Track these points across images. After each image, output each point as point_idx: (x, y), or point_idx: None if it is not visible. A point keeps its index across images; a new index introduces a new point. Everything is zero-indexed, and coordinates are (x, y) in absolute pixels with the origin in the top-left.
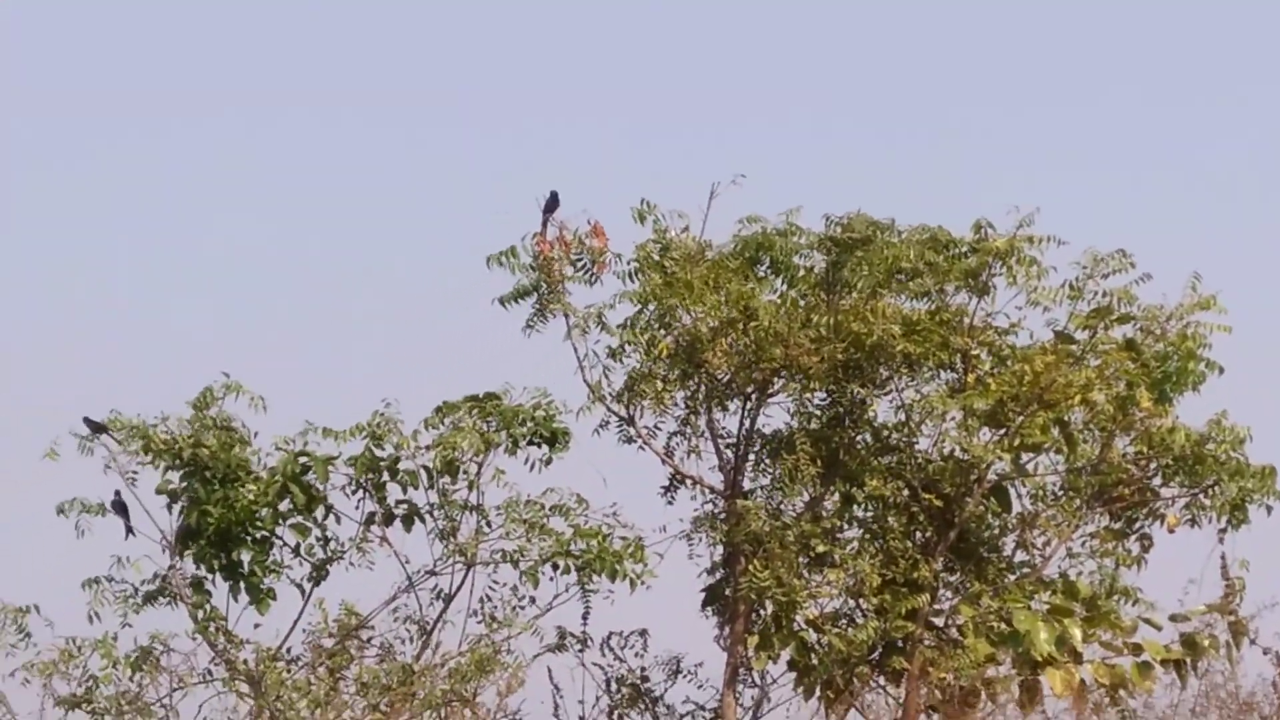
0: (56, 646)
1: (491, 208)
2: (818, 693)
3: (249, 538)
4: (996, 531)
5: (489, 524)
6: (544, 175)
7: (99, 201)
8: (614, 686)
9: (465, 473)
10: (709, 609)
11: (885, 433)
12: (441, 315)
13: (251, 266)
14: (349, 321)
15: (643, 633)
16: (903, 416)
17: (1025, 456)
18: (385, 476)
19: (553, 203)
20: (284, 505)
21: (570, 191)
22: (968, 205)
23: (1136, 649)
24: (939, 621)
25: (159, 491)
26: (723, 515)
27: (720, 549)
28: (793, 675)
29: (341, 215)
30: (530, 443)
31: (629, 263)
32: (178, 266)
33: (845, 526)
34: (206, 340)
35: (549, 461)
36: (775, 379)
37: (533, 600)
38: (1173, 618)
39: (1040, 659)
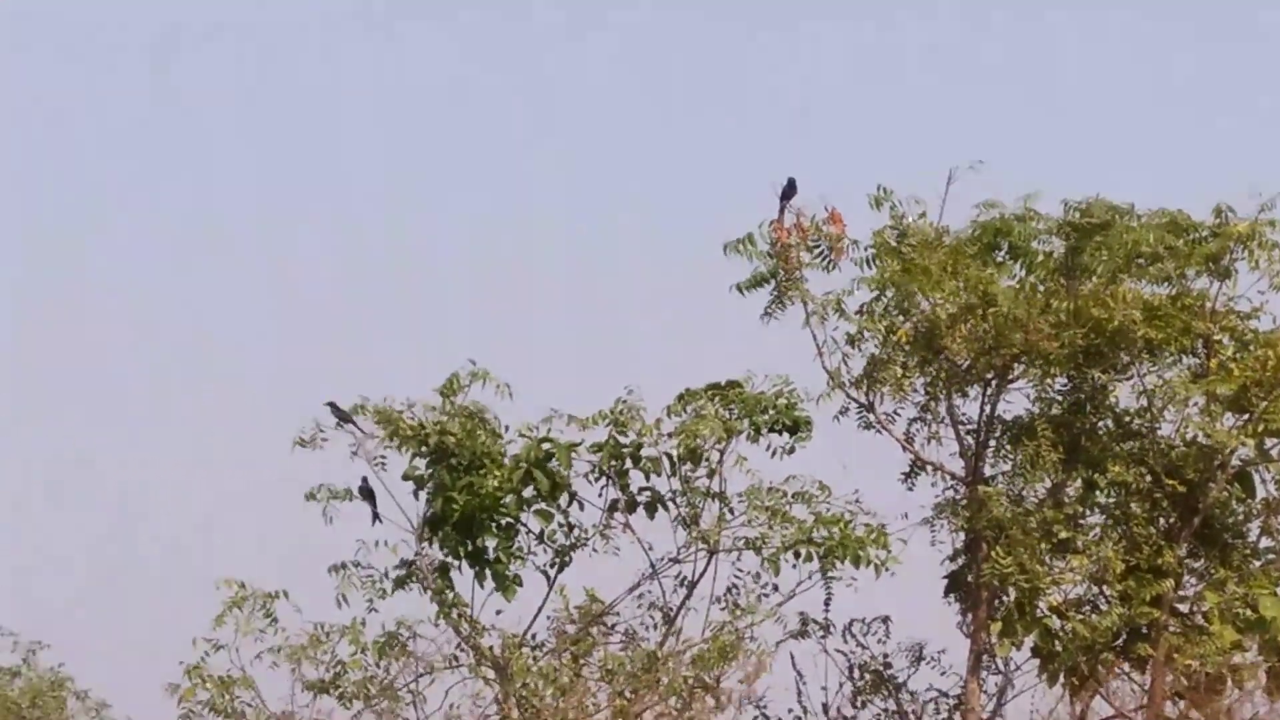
0: (305, 631)
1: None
2: (1062, 679)
3: (494, 524)
4: (1241, 517)
5: (731, 511)
6: (783, 162)
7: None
8: (857, 673)
9: (707, 460)
10: (951, 596)
11: (1127, 418)
12: (680, 303)
13: (499, 256)
14: (591, 310)
15: (885, 619)
16: (1144, 402)
17: (1269, 442)
18: (628, 463)
19: (790, 189)
20: (528, 492)
21: (807, 178)
22: (1208, 189)
23: None
24: (1184, 608)
25: (405, 478)
26: (964, 501)
27: (962, 535)
28: (1036, 662)
29: (581, 207)
30: (772, 430)
31: (866, 249)
32: (426, 254)
33: (1088, 513)
34: (452, 328)
35: (791, 449)
36: (1015, 365)
37: (775, 587)
38: None
39: None
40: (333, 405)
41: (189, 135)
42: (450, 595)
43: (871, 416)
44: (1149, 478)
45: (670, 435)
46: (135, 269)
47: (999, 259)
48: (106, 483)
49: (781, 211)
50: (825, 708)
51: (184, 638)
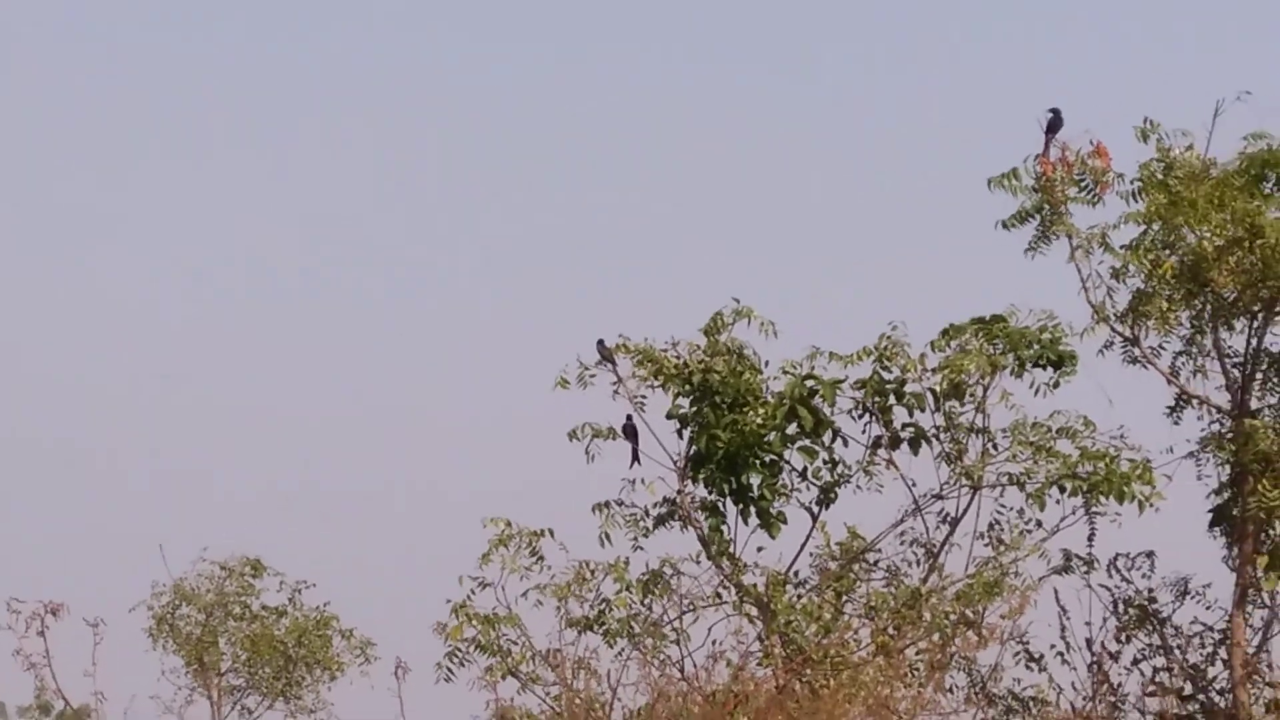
0: (570, 569)
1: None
2: None
3: (758, 461)
4: None
5: (995, 447)
6: (1047, 93)
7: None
8: (1121, 608)
9: (972, 395)
10: (1216, 529)
11: None
12: (945, 237)
13: (761, 202)
14: (854, 245)
15: (1149, 554)
16: None
17: None
18: (891, 400)
19: (1055, 122)
20: (792, 429)
21: (1072, 111)
22: None
23: None
24: None
25: (670, 416)
26: (1230, 435)
27: (1227, 469)
28: None
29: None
30: (1036, 365)
31: (1132, 183)
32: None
33: None
34: (710, 267)
35: (1056, 384)
36: None
37: (1039, 523)
38: None
39: None
40: (600, 343)
41: None
42: (715, 533)
43: (1136, 350)
44: None
45: (934, 370)
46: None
47: (1266, 190)
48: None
49: (1047, 145)
50: (1089, 643)
51: (450, 576)
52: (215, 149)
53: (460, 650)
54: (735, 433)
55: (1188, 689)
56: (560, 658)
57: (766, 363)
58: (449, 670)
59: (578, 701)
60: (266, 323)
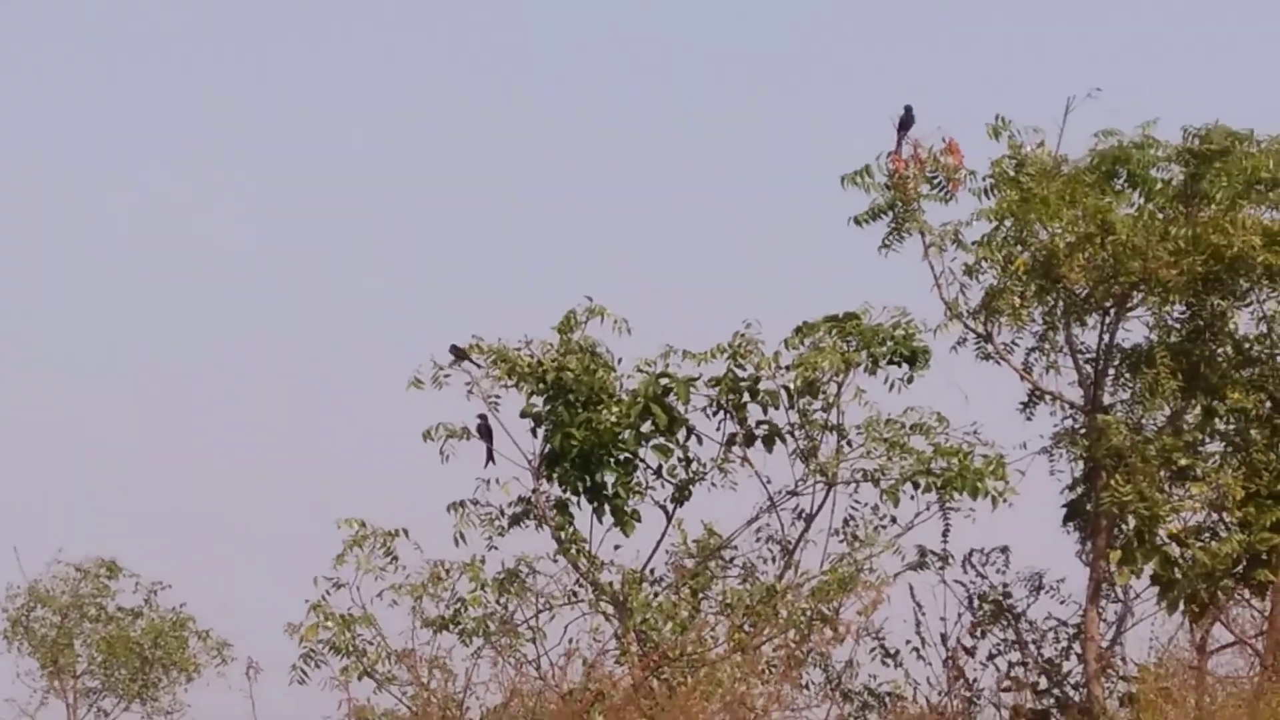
0: (425, 569)
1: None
2: (1181, 607)
3: (612, 460)
4: None
5: (849, 443)
6: (900, 90)
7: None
8: (976, 603)
9: (825, 392)
10: (1070, 525)
11: (1247, 345)
12: (798, 235)
13: (608, 193)
14: (708, 243)
15: (1004, 549)
16: (1264, 328)
17: None
18: (746, 397)
19: (907, 119)
20: (646, 427)
21: (924, 108)
22: None
23: None
24: None
25: (524, 415)
26: (1083, 430)
27: (1081, 464)
28: (1156, 590)
29: (696, 140)
30: (890, 362)
31: (984, 179)
32: (528, 194)
33: (1207, 440)
34: (563, 265)
35: (909, 380)
36: (1134, 293)
37: (893, 519)
38: None
39: None
40: (454, 347)
41: None
42: (569, 531)
43: (989, 347)
44: (1268, 404)
45: (788, 368)
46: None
47: (1118, 187)
48: (225, 425)
49: (899, 142)
50: (944, 638)
51: (305, 578)
52: None
53: (315, 651)
54: (589, 431)
55: (1043, 683)
56: (414, 657)
57: (620, 361)
58: (303, 671)
59: (433, 701)
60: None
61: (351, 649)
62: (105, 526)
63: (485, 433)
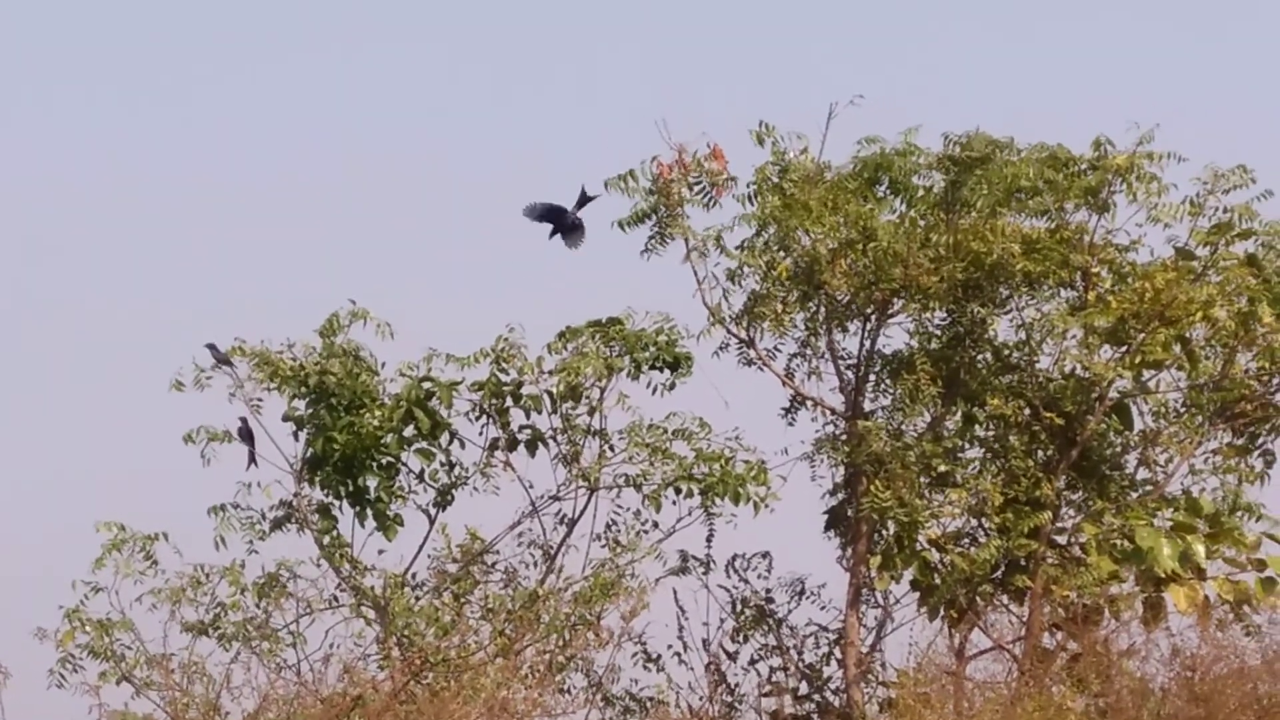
0: (184, 573)
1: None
2: (941, 612)
3: (374, 464)
4: (1119, 449)
5: (612, 449)
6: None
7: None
8: (738, 608)
9: (588, 397)
10: (831, 531)
11: (1006, 352)
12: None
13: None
14: (470, 245)
15: (766, 555)
16: (1023, 335)
17: (1147, 374)
18: (509, 402)
19: (583, 199)
20: (409, 431)
21: (688, 113)
22: (1087, 122)
23: (1260, 565)
24: (1062, 540)
25: (285, 419)
26: (844, 436)
27: (842, 470)
28: (916, 595)
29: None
30: (653, 367)
31: (748, 185)
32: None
33: (967, 446)
34: (327, 263)
35: (672, 386)
36: (895, 299)
37: (656, 525)
38: None
39: (1164, 575)
40: (212, 346)
41: None
42: (331, 535)
43: (752, 352)
44: (1027, 411)
45: (551, 373)
46: None
47: (880, 194)
48: None
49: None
50: (705, 643)
51: (62, 582)
52: None
53: (73, 657)
54: (352, 435)
55: (803, 688)
56: (172, 662)
57: (384, 364)
58: (61, 676)
59: (191, 706)
60: None
61: (109, 654)
62: None
63: (247, 436)
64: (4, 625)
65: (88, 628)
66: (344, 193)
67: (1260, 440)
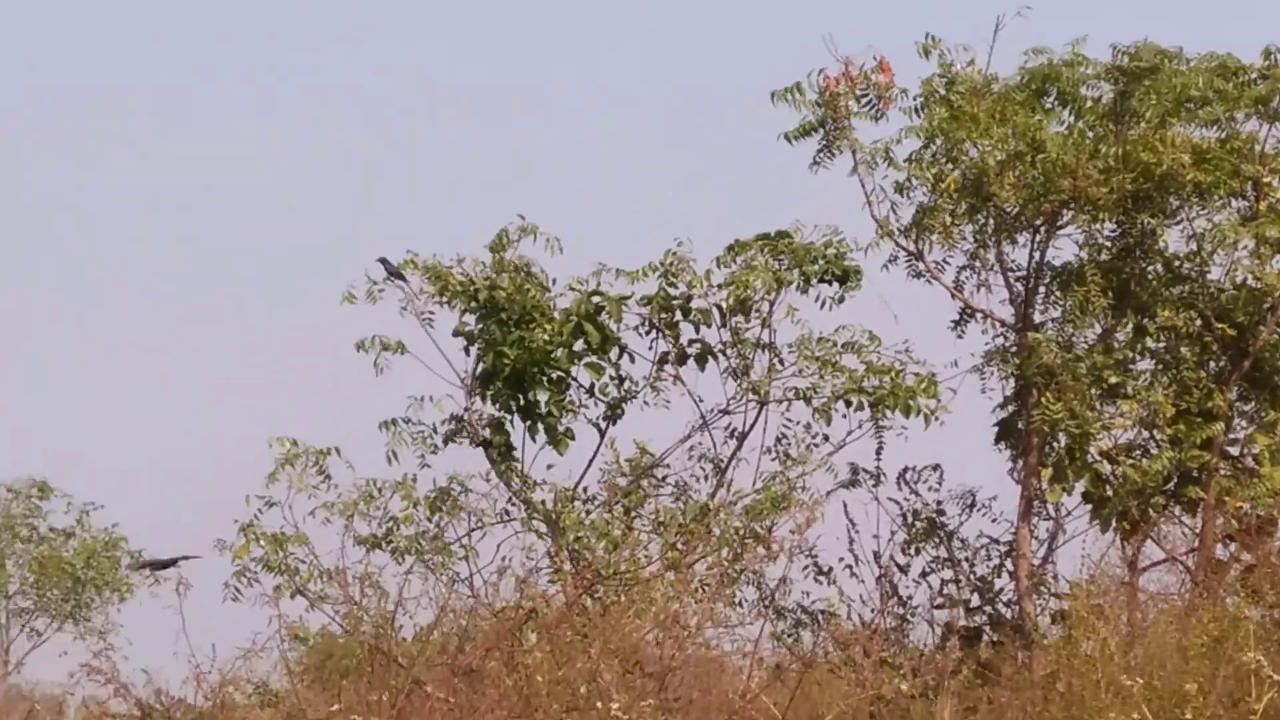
0: (357, 487)
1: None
2: (1113, 524)
3: (544, 378)
4: None
5: (781, 362)
6: (833, 12)
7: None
8: (909, 521)
9: (757, 311)
10: (1002, 443)
11: (1176, 263)
12: (729, 152)
13: (550, 108)
14: (640, 161)
15: (936, 467)
16: (1194, 246)
17: None
18: (678, 315)
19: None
20: (578, 345)
21: (856, 25)
22: (1257, 31)
23: None
24: (1234, 451)
25: (456, 333)
26: (1014, 349)
27: (1012, 383)
28: (1088, 507)
29: (626, 56)
30: (822, 280)
31: (914, 98)
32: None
33: (1137, 358)
34: (500, 179)
35: (841, 299)
36: (1064, 211)
37: (826, 438)
38: None
39: None
40: (384, 260)
41: None
42: (502, 450)
43: (920, 265)
44: (1198, 322)
45: (720, 286)
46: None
47: (1047, 105)
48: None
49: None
50: (877, 555)
51: (237, 497)
52: None
53: (248, 570)
54: (522, 349)
55: (975, 601)
56: (346, 575)
57: (553, 280)
58: (236, 589)
59: (365, 618)
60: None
61: (284, 568)
62: (34, 447)
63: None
64: (182, 540)
65: (262, 542)
66: (521, 109)
67: None
